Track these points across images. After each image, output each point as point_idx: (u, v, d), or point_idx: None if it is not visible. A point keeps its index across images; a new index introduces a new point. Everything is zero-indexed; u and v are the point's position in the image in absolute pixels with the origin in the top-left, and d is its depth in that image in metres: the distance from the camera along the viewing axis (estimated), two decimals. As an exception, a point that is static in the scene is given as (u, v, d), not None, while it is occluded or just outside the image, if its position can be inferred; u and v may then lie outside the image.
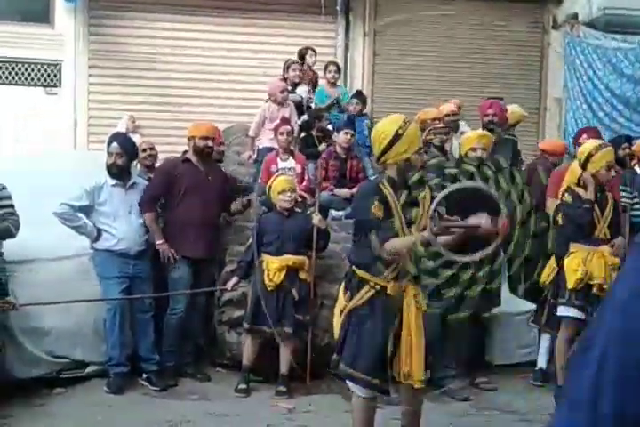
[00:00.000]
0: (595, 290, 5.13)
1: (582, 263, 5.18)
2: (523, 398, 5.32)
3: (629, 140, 7.31)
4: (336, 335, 3.86)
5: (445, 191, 3.48)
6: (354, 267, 3.81)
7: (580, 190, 5.29)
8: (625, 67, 9.54)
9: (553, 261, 5.46)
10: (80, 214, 5.44)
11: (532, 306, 5.96)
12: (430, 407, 4.56)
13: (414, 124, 3.92)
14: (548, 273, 5.52)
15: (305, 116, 7.73)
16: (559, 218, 5.35)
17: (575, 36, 9.76)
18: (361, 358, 3.68)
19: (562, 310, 5.24)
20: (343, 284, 3.88)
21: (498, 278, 3.81)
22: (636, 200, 6.45)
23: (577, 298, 5.16)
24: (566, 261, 5.26)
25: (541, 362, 5.75)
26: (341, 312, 3.81)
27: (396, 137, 3.68)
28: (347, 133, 6.86)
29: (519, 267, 3.96)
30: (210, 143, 5.83)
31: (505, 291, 6.03)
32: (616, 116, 9.55)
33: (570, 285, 5.16)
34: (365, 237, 3.66)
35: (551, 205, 5.85)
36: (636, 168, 6.88)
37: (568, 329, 5.21)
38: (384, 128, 3.75)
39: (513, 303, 6.03)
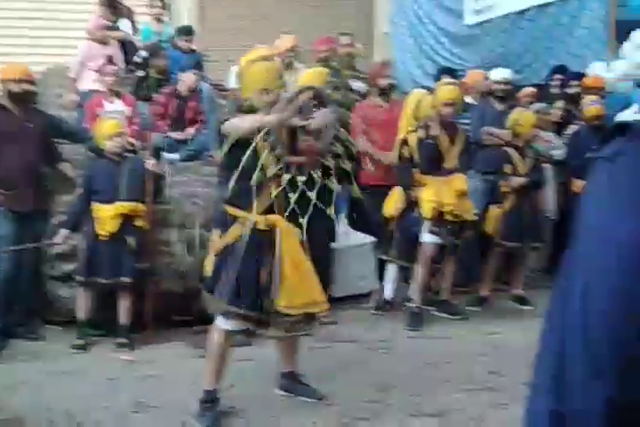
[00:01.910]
0: (447, 216, 5.51)
1: (435, 193, 5.50)
2: (363, 328, 5.48)
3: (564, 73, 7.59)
4: (208, 273, 3.81)
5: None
6: (224, 205, 3.81)
7: (431, 126, 5.60)
8: (448, 0, 9.74)
9: (398, 194, 5.63)
10: None
11: (370, 238, 6.11)
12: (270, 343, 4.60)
13: (260, 63, 3.83)
14: (392, 206, 5.70)
15: (143, 53, 7.35)
16: (404, 152, 5.61)
17: (401, -29, 9.83)
18: (237, 293, 3.65)
19: (423, 237, 5.56)
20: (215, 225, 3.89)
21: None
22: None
23: (434, 225, 5.50)
24: (421, 193, 5.56)
25: (387, 291, 5.94)
26: (214, 250, 3.81)
27: (241, 75, 3.88)
28: (194, 74, 6.68)
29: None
30: (27, 86, 5.37)
31: (344, 224, 6.14)
32: (440, 49, 9.77)
33: (425, 214, 5.50)
34: (230, 173, 3.69)
35: (361, 142, 6.06)
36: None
37: (427, 254, 5.56)
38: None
39: (352, 236, 6.14)
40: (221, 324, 3.76)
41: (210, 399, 3.84)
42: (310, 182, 3.79)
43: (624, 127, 1.07)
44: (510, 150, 5.99)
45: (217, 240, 3.82)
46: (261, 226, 3.70)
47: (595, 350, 1.00)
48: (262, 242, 3.69)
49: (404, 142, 5.68)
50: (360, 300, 5.97)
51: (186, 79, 6.77)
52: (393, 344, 5.12)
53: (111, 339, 5.16)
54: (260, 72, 3.79)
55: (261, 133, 3.63)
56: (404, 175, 5.67)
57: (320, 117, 3.69)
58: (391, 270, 5.95)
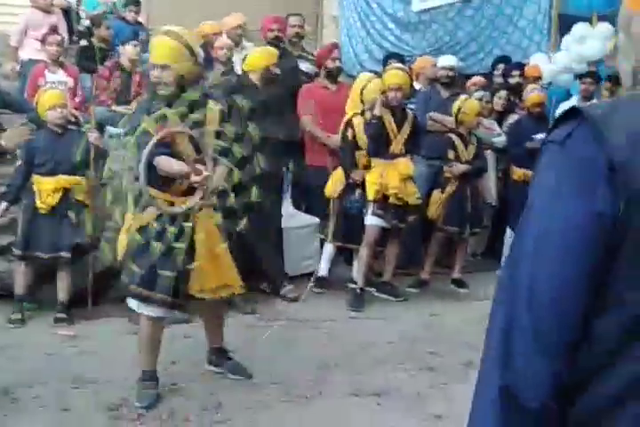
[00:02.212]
0: (391, 199, 5.57)
1: (380, 176, 5.55)
2: (307, 306, 5.52)
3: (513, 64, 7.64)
4: (120, 256, 3.72)
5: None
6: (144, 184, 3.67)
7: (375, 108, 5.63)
8: (396, -15, 9.75)
9: (340, 175, 5.68)
10: None
11: (315, 219, 6.16)
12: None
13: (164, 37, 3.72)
14: (333, 186, 5.76)
15: (86, 22, 7.16)
16: (348, 134, 5.68)
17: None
18: (153, 277, 3.63)
19: (367, 220, 5.64)
20: (131, 202, 3.73)
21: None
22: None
23: (378, 208, 5.58)
24: (367, 175, 5.64)
25: (323, 270, 6.00)
26: (127, 231, 3.70)
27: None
28: (134, 46, 6.51)
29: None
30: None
31: (289, 207, 6.18)
32: (388, 35, 9.80)
33: (370, 196, 5.58)
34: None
35: (305, 121, 6.19)
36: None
37: (372, 236, 5.64)
38: None
39: (297, 217, 6.18)
40: (141, 309, 3.74)
41: (148, 378, 3.82)
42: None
43: (574, 112, 1.09)
44: (454, 137, 6.08)
45: (129, 217, 3.74)
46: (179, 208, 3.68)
47: (541, 331, 1.03)
48: (178, 225, 3.66)
49: (348, 124, 5.73)
50: (304, 280, 5.99)
51: (125, 51, 6.62)
52: (334, 324, 5.16)
53: (49, 314, 5.06)
54: (164, 47, 3.71)
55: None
56: (345, 157, 5.73)
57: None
58: (327, 249, 6.00)
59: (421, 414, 3.71)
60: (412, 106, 6.47)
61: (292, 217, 6.13)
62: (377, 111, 5.59)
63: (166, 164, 3.61)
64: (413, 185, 5.73)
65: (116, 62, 6.68)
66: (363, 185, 5.63)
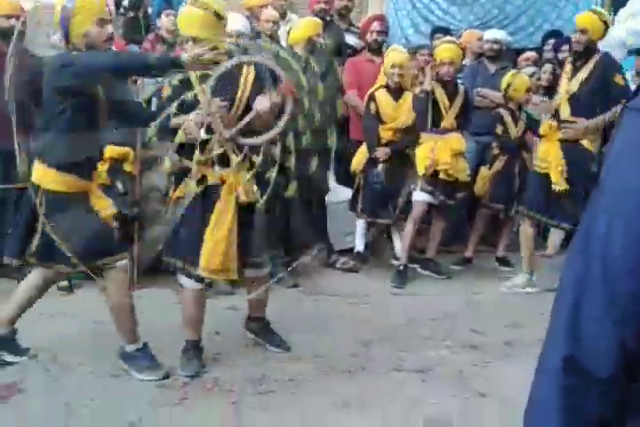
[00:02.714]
0: (442, 175, 5.54)
1: (430, 151, 5.51)
2: (345, 282, 5.54)
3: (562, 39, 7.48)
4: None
5: (221, 68, 3.37)
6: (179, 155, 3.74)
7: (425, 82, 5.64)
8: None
9: (365, 150, 5.65)
10: None
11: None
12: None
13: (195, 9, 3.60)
14: (359, 160, 5.72)
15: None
16: (371, 108, 5.65)
17: None
18: (184, 249, 3.68)
19: (415, 195, 5.60)
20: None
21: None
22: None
23: (427, 184, 5.55)
24: (417, 150, 5.61)
25: (359, 245, 5.99)
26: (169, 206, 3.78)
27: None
28: (168, 15, 6.44)
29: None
30: (13, 22, 5.19)
31: (332, 181, 6.16)
32: (434, 8, 9.63)
33: (420, 171, 5.52)
34: None
35: (350, 96, 6.08)
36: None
37: (418, 212, 5.60)
38: None
39: (339, 192, 6.16)
40: (181, 280, 3.80)
41: (191, 348, 3.87)
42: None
43: None
44: (503, 112, 5.97)
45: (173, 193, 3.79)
46: (211, 180, 3.67)
47: (614, 301, 1.00)
48: (209, 197, 3.65)
49: (371, 98, 5.67)
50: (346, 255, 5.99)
51: (162, 22, 6.58)
52: (377, 300, 5.16)
53: (97, 283, 5.12)
54: (190, 18, 3.63)
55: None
56: (368, 132, 5.70)
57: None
58: (360, 224, 5.97)
59: (464, 391, 3.69)
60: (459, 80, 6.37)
61: (334, 191, 6.10)
62: (426, 85, 5.53)
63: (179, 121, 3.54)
64: (464, 161, 5.67)
65: (157, 35, 6.67)
66: (386, 161, 5.59)
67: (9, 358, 3.83)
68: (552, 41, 7.61)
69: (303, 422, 3.30)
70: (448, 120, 5.65)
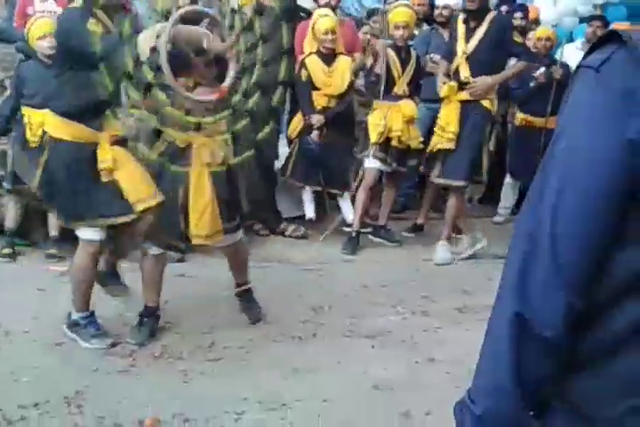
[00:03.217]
0: (394, 142, 5.48)
1: (382, 118, 5.45)
2: (300, 249, 5.50)
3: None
4: None
5: (170, 22, 3.13)
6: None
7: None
8: None
9: (299, 114, 5.62)
10: None
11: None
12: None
13: None
14: (294, 126, 5.77)
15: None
16: (302, 74, 5.58)
17: None
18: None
19: (367, 162, 5.56)
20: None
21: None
22: None
23: (380, 150, 5.48)
24: (369, 117, 5.57)
25: (309, 213, 5.93)
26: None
27: None
28: None
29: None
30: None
31: (284, 147, 6.08)
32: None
33: (372, 139, 5.47)
34: None
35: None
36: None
37: (369, 179, 5.55)
38: None
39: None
40: (144, 246, 3.73)
41: (148, 315, 3.81)
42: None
43: (612, 37, 1.00)
44: None
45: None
46: (180, 143, 3.60)
47: (561, 263, 1.00)
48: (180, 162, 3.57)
49: (302, 65, 5.63)
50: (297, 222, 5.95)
51: None
52: (328, 267, 5.14)
53: (40, 251, 5.02)
54: None
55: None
56: (302, 98, 5.67)
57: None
58: (307, 192, 5.89)
59: (415, 356, 3.71)
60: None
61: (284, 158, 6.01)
62: (378, 69, 5.52)
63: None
64: (416, 128, 5.63)
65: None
66: (320, 128, 5.56)
67: None
68: (505, 7, 7.60)
69: (253, 389, 3.27)
70: (400, 87, 5.58)
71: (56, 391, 3.16)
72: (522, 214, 1.08)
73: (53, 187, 3.53)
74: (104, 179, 3.48)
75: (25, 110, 4.93)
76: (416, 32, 6.65)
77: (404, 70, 5.58)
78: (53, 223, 4.98)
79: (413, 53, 5.72)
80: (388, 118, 5.44)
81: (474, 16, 5.23)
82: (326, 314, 4.25)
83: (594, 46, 1.03)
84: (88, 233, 3.54)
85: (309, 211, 5.89)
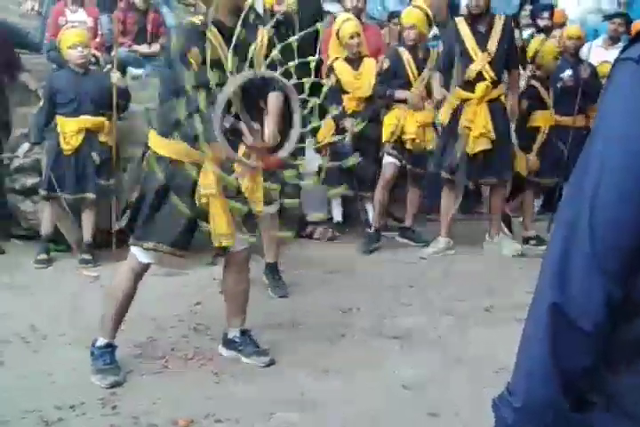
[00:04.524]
0: (408, 145, 5.56)
1: (396, 118, 5.53)
2: (327, 253, 5.56)
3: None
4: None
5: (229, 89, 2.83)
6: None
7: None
8: None
9: (328, 120, 5.62)
10: None
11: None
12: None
13: None
14: (325, 133, 5.65)
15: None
16: (333, 80, 5.53)
17: None
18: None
19: (385, 159, 5.67)
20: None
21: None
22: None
23: (393, 148, 5.59)
24: (385, 117, 5.64)
25: (337, 215, 6.06)
26: None
27: None
28: None
29: None
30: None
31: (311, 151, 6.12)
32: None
33: (384, 138, 5.59)
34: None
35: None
36: None
37: (386, 175, 5.64)
38: None
39: (310, 162, 6.09)
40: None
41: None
42: None
43: None
44: (535, 83, 5.77)
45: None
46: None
47: (600, 250, 1.01)
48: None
49: (330, 69, 5.68)
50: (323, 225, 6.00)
51: None
52: (356, 268, 5.19)
53: (75, 255, 5.13)
54: None
55: None
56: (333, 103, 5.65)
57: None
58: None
59: (442, 357, 3.74)
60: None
61: (309, 161, 6.02)
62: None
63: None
64: (433, 131, 5.65)
65: (129, 2, 6.57)
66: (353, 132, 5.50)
67: None
68: (529, 7, 7.60)
69: (283, 390, 3.33)
70: (416, 88, 5.59)
71: (92, 393, 3.24)
72: (561, 207, 1.09)
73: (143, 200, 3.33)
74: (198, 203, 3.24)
75: (59, 119, 5.05)
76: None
77: (419, 72, 5.59)
78: (87, 228, 5.10)
79: (433, 53, 5.70)
80: (402, 120, 5.52)
81: (481, 19, 5.28)
82: (354, 315, 4.29)
83: (633, 40, 1.05)
84: (143, 254, 3.36)
85: (337, 214, 5.95)
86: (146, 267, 3.43)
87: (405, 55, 5.57)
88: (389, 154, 5.60)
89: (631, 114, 1.00)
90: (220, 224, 3.26)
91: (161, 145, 3.29)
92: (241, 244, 3.48)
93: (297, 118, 3.05)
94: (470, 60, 5.27)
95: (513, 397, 1.07)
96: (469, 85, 5.26)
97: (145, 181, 3.35)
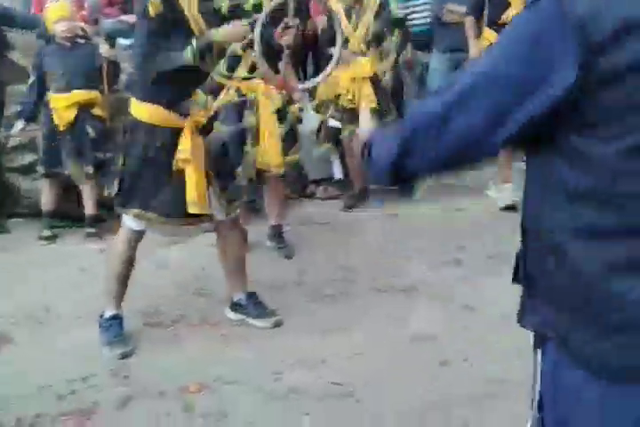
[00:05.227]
0: (342, 101, 5.31)
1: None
2: (328, 209, 5.55)
3: None
4: None
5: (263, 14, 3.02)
6: None
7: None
8: None
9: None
10: None
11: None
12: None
13: None
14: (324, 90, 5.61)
15: None
16: None
17: None
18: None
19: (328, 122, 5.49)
20: None
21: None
22: (410, 10, 6.47)
23: (335, 110, 5.39)
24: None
25: (337, 173, 5.98)
26: None
27: None
28: None
29: None
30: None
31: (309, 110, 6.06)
32: None
33: (318, 95, 5.41)
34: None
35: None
36: None
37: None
38: None
39: (310, 121, 6.02)
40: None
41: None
42: None
43: None
44: None
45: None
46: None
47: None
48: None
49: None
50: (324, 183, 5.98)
51: None
52: (358, 224, 5.17)
53: (78, 231, 5.15)
54: None
55: None
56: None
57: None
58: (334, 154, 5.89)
59: (451, 305, 3.75)
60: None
61: (308, 120, 5.97)
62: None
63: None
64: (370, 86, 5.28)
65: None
66: None
67: None
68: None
69: (290, 349, 3.35)
70: (354, 43, 5.24)
71: (102, 365, 3.28)
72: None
73: (125, 167, 3.32)
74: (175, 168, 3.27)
75: (51, 96, 5.01)
76: None
77: (357, 23, 5.27)
78: (89, 202, 5.09)
79: (371, 4, 5.29)
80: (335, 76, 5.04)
81: None
82: (359, 271, 4.28)
83: None
84: (132, 222, 3.37)
85: (337, 172, 5.91)
86: (140, 234, 3.43)
87: (340, 9, 5.12)
88: (331, 117, 5.40)
89: (514, 41, 1.18)
90: (190, 191, 3.27)
91: (141, 111, 3.28)
92: (220, 214, 3.48)
93: (339, 38, 3.32)
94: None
95: (371, 147, 1.39)
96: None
97: (127, 149, 3.34)
